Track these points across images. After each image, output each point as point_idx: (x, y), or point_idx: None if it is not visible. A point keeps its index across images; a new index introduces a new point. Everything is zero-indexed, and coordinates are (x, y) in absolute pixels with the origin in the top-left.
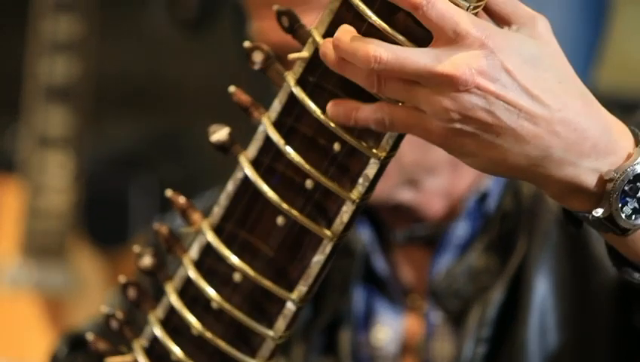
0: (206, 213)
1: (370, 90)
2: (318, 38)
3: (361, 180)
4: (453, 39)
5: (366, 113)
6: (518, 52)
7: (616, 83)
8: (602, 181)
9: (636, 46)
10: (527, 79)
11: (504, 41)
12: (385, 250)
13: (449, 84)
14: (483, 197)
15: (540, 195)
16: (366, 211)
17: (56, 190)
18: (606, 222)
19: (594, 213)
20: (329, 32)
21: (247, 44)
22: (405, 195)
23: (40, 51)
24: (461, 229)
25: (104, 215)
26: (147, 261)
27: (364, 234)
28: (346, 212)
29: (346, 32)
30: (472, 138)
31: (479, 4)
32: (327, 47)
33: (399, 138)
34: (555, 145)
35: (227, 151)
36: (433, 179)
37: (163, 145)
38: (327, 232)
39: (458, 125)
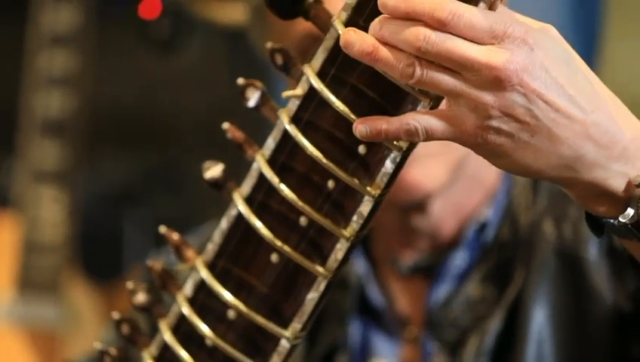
0: (200, 249)
1: (406, 81)
2: (312, 76)
3: (355, 218)
4: (495, 38)
5: (396, 125)
6: (553, 51)
7: None
8: (631, 185)
9: (630, 77)
10: (564, 79)
11: (541, 38)
12: (380, 281)
13: (494, 78)
14: (482, 227)
15: (537, 225)
16: (361, 243)
17: (50, 224)
18: (632, 228)
19: (621, 218)
20: (322, 70)
21: (240, 80)
22: (433, 205)
23: (35, 85)
24: (459, 259)
25: (99, 249)
26: (141, 297)
27: (358, 266)
28: (340, 249)
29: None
30: (508, 137)
31: None
32: (351, 35)
33: (393, 176)
34: (587, 147)
35: (221, 188)
36: (451, 190)
37: (158, 179)
38: (321, 270)
39: (496, 123)
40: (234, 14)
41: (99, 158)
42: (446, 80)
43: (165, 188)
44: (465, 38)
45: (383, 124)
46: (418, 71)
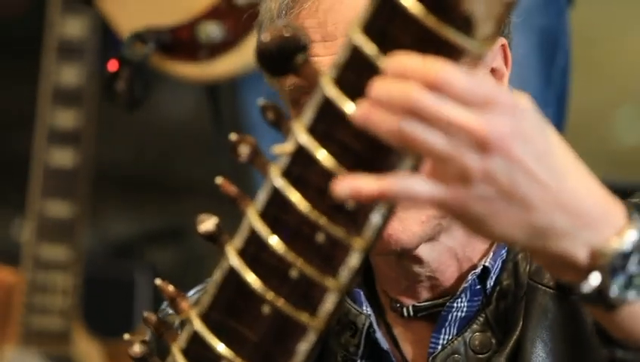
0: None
1: (393, 141)
2: (300, 132)
3: (344, 270)
4: (484, 105)
5: (375, 187)
6: (532, 121)
7: (615, 177)
8: (594, 255)
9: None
10: (542, 148)
11: (525, 108)
12: (385, 325)
13: (481, 143)
14: (484, 274)
15: (538, 271)
16: (366, 287)
17: (57, 281)
18: (595, 296)
19: (584, 286)
20: (313, 127)
21: (233, 136)
22: (424, 249)
23: (45, 138)
24: (462, 305)
25: (108, 306)
26: (136, 349)
27: (365, 311)
28: (329, 301)
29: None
30: (486, 204)
31: (485, 47)
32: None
33: (381, 228)
34: (558, 216)
35: (215, 241)
36: (450, 233)
37: (165, 235)
38: (312, 321)
39: (477, 189)
40: (197, 71)
41: (106, 214)
42: (433, 143)
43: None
44: (453, 100)
45: (362, 185)
46: (406, 131)
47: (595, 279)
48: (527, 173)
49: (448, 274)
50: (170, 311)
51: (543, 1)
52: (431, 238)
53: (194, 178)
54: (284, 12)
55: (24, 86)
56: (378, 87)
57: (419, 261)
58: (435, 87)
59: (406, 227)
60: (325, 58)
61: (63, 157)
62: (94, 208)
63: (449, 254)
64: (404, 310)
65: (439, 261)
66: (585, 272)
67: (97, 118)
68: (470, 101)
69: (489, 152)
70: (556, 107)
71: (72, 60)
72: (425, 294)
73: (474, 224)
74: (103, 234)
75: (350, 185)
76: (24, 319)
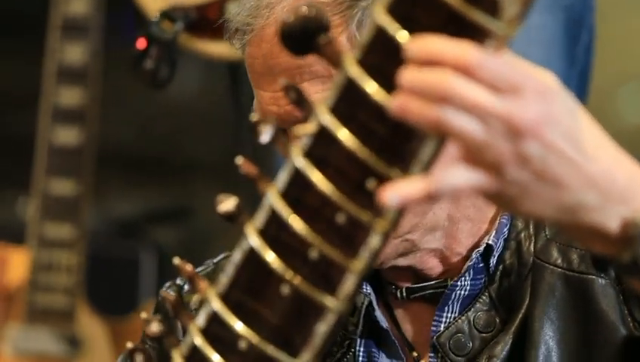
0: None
1: (428, 128)
2: (323, 112)
3: (364, 251)
4: (515, 90)
5: (421, 188)
6: (562, 102)
7: None
8: (627, 227)
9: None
10: (572, 129)
11: (554, 91)
12: (386, 306)
13: (513, 129)
14: (487, 252)
15: (544, 250)
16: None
17: (61, 260)
18: (631, 266)
19: (619, 258)
20: (336, 107)
21: (254, 116)
22: (402, 262)
23: (50, 121)
24: (465, 283)
25: (112, 285)
26: (154, 327)
27: (365, 290)
28: (349, 282)
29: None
30: (520, 185)
31: (512, 27)
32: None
33: (402, 210)
34: (590, 194)
35: (235, 221)
36: (429, 239)
37: (169, 214)
38: (331, 302)
39: (511, 172)
40: (225, 49)
41: (111, 194)
42: (470, 130)
43: (176, 224)
44: (485, 86)
45: (410, 190)
46: (442, 120)
47: (628, 250)
48: (558, 155)
49: (439, 267)
50: (186, 289)
51: None
52: (404, 253)
53: (198, 157)
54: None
55: (28, 64)
56: (411, 76)
57: (402, 268)
58: (466, 71)
59: None
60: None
61: (68, 136)
62: (98, 186)
63: (433, 254)
64: (398, 292)
65: (422, 262)
66: (617, 243)
67: (102, 97)
68: (501, 87)
69: (522, 138)
70: (578, 83)
71: (77, 38)
72: (417, 279)
73: (506, 204)
74: (108, 213)
75: (398, 192)
76: (29, 297)
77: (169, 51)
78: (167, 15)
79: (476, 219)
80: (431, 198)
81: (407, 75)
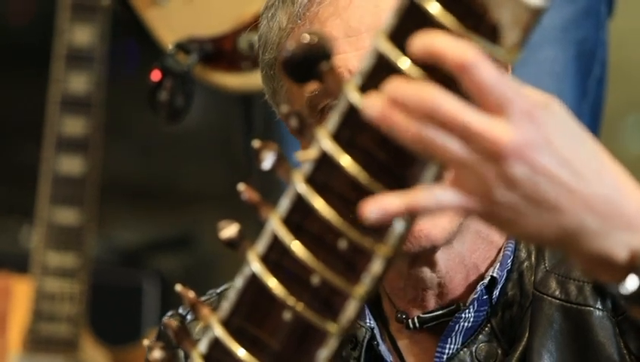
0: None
1: (413, 145)
2: (324, 139)
3: (366, 277)
4: (499, 108)
5: (403, 203)
6: (558, 124)
7: None
8: (634, 256)
9: None
10: (568, 152)
11: (548, 111)
12: (389, 337)
13: (496, 152)
14: (490, 284)
15: (543, 282)
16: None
17: (65, 289)
18: (636, 297)
19: (624, 287)
20: (338, 133)
21: (256, 143)
22: (439, 253)
23: (54, 146)
24: (469, 315)
25: (115, 314)
26: (157, 354)
27: (368, 324)
28: (351, 307)
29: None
30: (511, 208)
31: (513, 54)
32: (369, 100)
33: (404, 235)
34: (588, 218)
35: (236, 247)
36: (458, 242)
37: (172, 243)
38: (333, 328)
39: (499, 195)
40: (239, 81)
41: (113, 223)
42: (450, 149)
43: (179, 253)
44: (472, 98)
45: (388, 204)
46: (424, 136)
47: (634, 280)
48: (550, 179)
49: (456, 282)
50: (188, 318)
51: (581, 14)
52: (448, 241)
53: (201, 186)
54: (301, 13)
55: (33, 93)
56: (397, 85)
57: (433, 264)
58: (462, 69)
59: (437, 223)
60: (350, 54)
61: (72, 165)
62: (102, 215)
63: (458, 259)
64: (410, 322)
65: (449, 266)
66: (624, 272)
67: (105, 126)
68: (489, 100)
69: (505, 160)
70: (590, 116)
71: (81, 68)
72: (432, 303)
73: (504, 227)
74: (111, 242)
75: (377, 205)
76: (32, 326)
77: (185, 83)
78: (182, 47)
79: (480, 243)
80: (412, 213)
81: (394, 84)
